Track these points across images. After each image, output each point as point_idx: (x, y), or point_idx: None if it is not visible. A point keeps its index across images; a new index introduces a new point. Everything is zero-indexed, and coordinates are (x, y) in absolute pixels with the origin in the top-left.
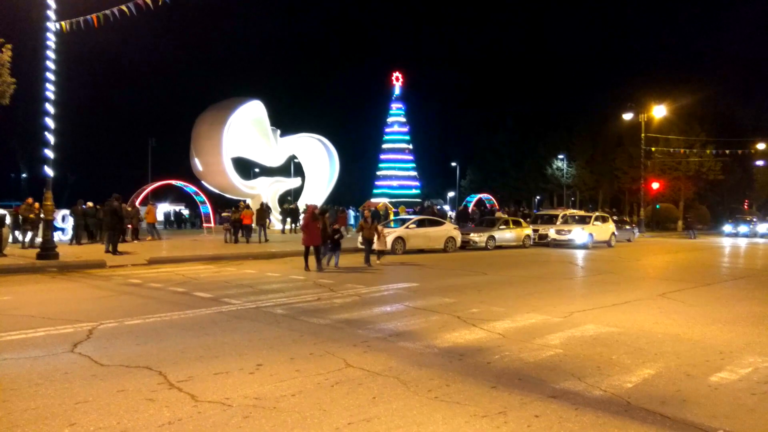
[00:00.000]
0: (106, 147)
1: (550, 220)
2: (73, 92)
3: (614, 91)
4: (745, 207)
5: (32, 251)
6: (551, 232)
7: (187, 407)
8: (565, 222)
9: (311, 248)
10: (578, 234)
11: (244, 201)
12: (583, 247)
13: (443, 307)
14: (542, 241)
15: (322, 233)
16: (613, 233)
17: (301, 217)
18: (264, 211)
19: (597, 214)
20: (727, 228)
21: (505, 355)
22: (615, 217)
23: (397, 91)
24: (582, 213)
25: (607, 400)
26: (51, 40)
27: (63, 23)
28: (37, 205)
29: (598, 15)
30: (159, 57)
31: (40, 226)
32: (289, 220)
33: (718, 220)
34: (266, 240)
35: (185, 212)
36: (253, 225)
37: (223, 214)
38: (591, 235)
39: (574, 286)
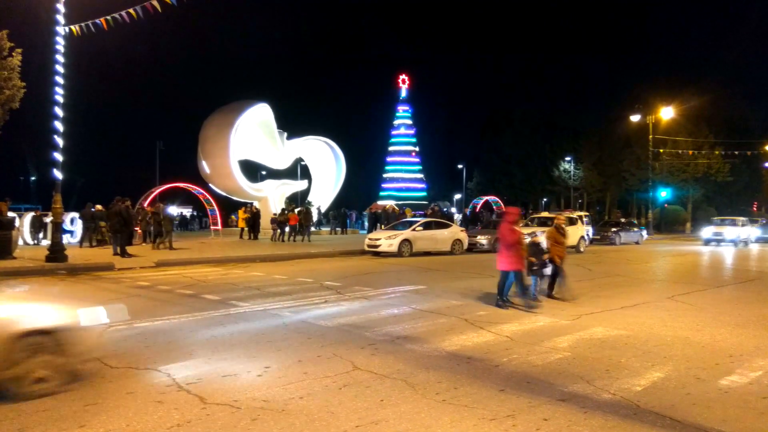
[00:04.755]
0: (115, 150)
1: (545, 223)
2: (81, 96)
3: (622, 92)
4: (754, 209)
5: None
6: None
7: (195, 409)
8: (528, 225)
9: (511, 273)
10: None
11: (253, 203)
12: None
13: (450, 310)
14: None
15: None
16: (583, 237)
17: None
18: (308, 213)
19: (564, 215)
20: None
21: (513, 358)
22: (623, 219)
23: (403, 93)
24: (546, 215)
25: (616, 403)
26: (60, 44)
27: (73, 27)
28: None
29: (606, 16)
30: (166, 60)
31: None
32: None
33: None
34: (309, 240)
35: (187, 214)
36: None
37: (272, 216)
38: None
39: (582, 289)
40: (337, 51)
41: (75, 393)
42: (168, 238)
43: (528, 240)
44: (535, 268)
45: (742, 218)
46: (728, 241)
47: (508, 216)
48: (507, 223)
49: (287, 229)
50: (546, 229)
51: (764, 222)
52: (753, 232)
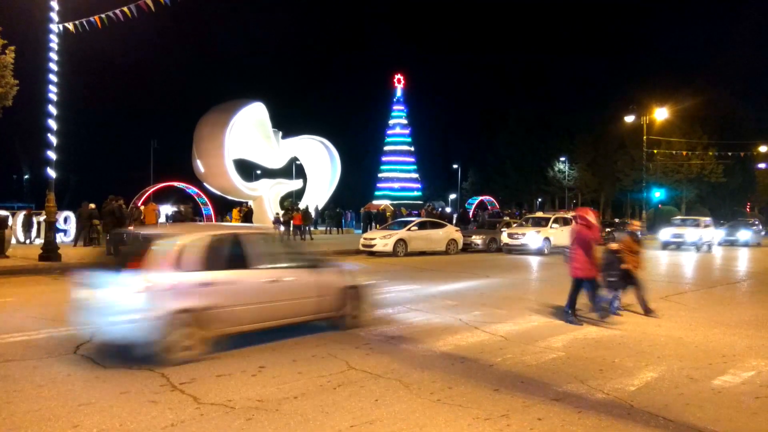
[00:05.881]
0: (109, 148)
1: (539, 223)
2: (75, 94)
3: (616, 93)
4: (747, 210)
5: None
6: (504, 236)
7: (189, 409)
8: (521, 225)
9: (584, 282)
10: (532, 238)
11: (248, 203)
12: (538, 253)
13: (445, 310)
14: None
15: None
16: None
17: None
18: (307, 213)
19: (557, 215)
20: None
21: (507, 358)
22: (617, 220)
23: (398, 93)
24: (540, 215)
25: (609, 403)
26: (54, 42)
27: (68, 24)
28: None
29: (601, 18)
30: (161, 59)
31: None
32: (292, 222)
33: (719, 223)
34: (311, 239)
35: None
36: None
37: (275, 216)
38: (547, 239)
39: None
40: (333, 50)
41: (69, 393)
42: None
43: (611, 248)
44: (612, 279)
45: (705, 219)
46: (689, 243)
47: (580, 218)
48: (580, 225)
49: (291, 228)
50: (622, 237)
51: (753, 223)
52: (717, 234)
